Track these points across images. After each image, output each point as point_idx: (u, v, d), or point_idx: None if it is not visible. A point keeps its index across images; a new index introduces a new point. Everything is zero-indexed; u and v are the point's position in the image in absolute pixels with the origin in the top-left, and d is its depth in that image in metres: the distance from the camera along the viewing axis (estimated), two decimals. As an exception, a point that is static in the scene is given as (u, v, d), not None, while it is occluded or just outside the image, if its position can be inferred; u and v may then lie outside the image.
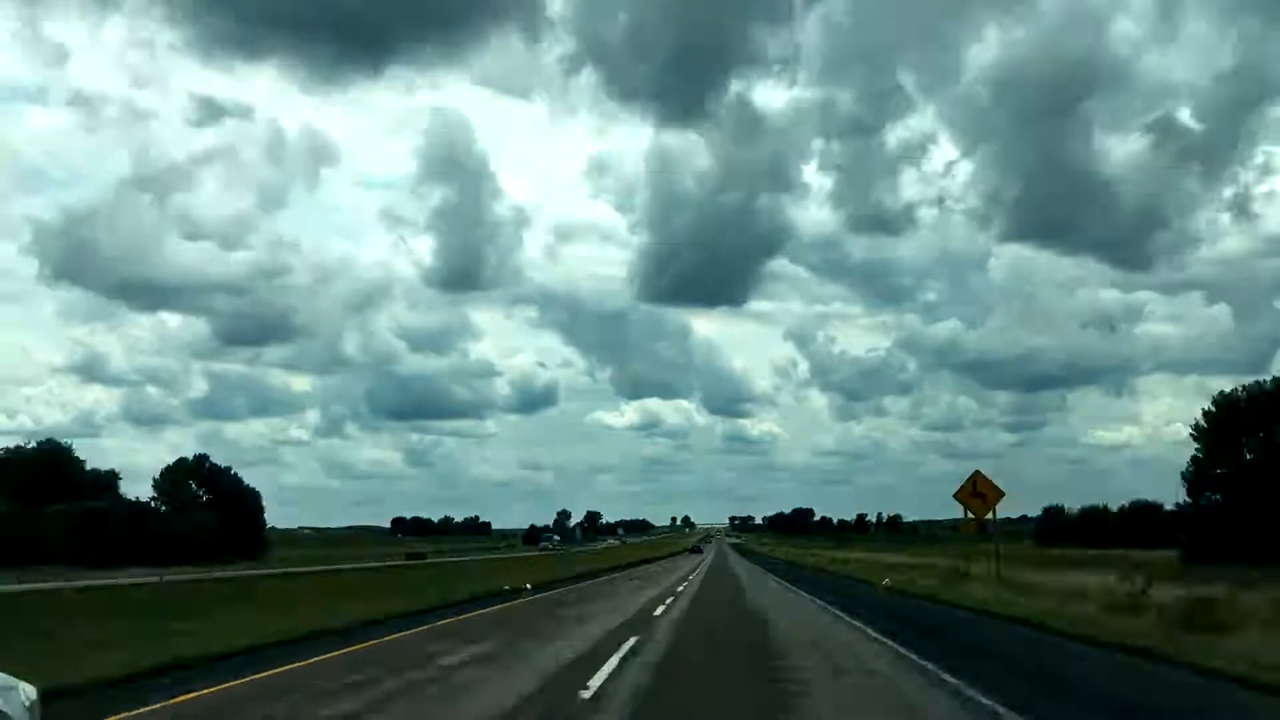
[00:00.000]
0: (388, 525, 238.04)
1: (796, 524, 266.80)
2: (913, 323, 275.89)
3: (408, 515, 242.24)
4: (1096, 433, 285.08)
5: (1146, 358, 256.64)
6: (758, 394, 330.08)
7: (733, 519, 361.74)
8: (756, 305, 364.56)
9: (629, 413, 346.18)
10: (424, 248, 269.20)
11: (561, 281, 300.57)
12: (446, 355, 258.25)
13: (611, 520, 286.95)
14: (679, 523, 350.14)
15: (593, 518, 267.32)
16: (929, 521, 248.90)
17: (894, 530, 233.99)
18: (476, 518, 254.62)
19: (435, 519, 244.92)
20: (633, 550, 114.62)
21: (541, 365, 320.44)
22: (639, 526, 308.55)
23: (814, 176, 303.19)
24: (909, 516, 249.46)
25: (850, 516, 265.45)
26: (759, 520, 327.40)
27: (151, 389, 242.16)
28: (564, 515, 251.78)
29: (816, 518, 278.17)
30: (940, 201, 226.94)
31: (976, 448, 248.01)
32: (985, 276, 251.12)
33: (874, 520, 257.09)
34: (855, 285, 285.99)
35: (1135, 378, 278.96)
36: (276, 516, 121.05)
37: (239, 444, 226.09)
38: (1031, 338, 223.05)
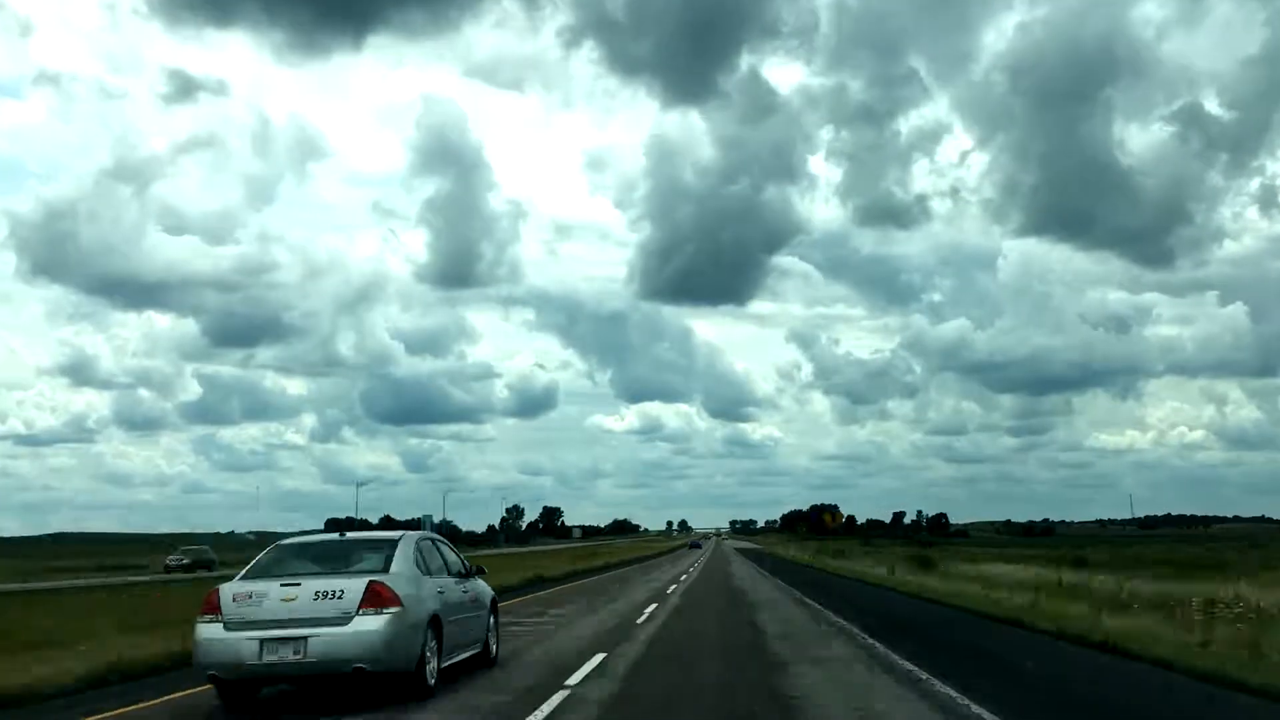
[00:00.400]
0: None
1: (817, 523, 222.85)
2: (920, 323, 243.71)
3: (351, 517, 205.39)
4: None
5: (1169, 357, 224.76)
6: (760, 397, 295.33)
7: (733, 523, 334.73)
8: (760, 305, 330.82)
9: (629, 416, 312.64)
10: (415, 242, 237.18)
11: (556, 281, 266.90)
12: (444, 357, 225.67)
13: (602, 523, 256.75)
14: (675, 526, 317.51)
15: (550, 514, 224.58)
16: (974, 524, 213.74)
17: (939, 532, 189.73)
18: (432, 518, 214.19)
19: (374, 519, 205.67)
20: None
21: (541, 367, 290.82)
22: (616, 529, 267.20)
23: (822, 166, 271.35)
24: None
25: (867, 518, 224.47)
26: (761, 524, 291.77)
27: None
28: (515, 511, 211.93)
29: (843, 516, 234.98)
30: (955, 193, 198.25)
31: (980, 451, 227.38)
32: (997, 274, 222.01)
33: (913, 520, 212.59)
34: (862, 283, 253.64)
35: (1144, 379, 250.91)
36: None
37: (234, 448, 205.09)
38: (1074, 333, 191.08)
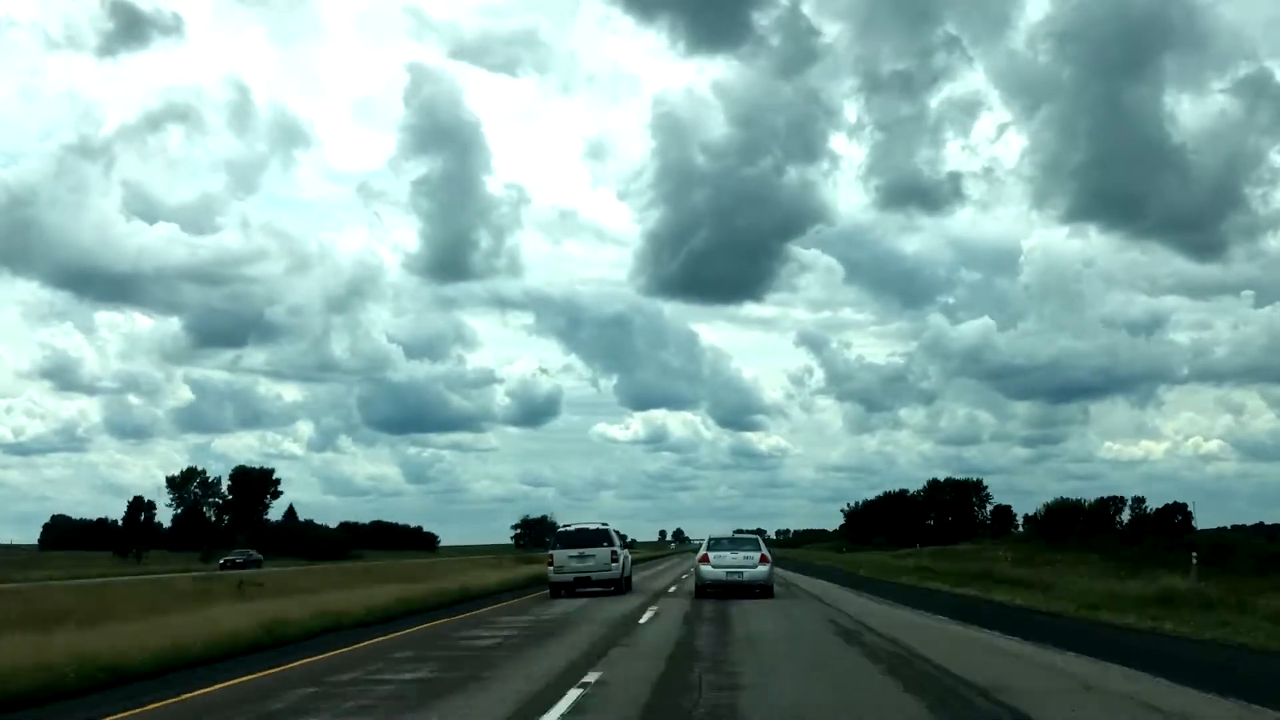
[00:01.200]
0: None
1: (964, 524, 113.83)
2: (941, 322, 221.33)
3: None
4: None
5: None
6: (769, 404, 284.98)
7: (738, 532, 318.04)
8: (766, 306, 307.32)
9: (633, 424, 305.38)
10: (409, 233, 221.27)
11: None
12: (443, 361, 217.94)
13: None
14: (669, 537, 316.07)
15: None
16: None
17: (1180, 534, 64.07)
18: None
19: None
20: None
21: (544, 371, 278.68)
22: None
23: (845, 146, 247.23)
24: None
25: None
26: (771, 535, 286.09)
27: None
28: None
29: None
30: (989, 172, 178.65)
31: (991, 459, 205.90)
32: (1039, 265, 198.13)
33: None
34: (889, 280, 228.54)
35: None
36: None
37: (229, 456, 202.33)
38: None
